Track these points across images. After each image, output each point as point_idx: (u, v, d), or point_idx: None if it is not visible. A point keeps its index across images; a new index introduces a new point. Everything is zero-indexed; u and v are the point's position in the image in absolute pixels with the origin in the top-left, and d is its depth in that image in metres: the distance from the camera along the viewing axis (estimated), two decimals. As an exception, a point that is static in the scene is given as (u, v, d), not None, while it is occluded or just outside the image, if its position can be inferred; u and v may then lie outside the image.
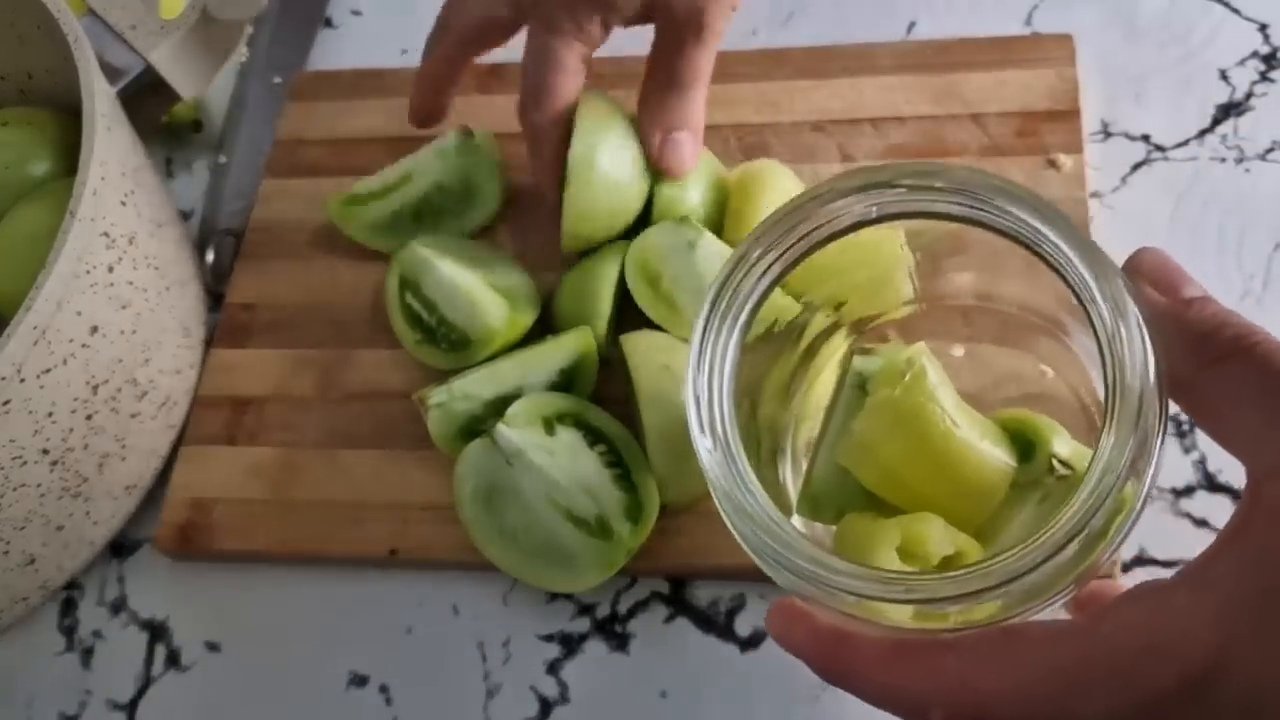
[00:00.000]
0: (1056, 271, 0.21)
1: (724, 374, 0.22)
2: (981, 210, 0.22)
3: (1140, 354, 0.18)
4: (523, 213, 0.39)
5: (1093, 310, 0.20)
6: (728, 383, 0.22)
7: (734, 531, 0.22)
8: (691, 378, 0.22)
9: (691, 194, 0.35)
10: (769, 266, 0.23)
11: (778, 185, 0.35)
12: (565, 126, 0.34)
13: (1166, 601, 0.17)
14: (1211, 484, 0.31)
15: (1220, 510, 0.31)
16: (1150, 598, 0.17)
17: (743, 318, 0.23)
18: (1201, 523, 0.31)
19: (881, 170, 0.23)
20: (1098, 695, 0.17)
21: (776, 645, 0.22)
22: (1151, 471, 0.19)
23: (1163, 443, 0.19)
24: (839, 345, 0.28)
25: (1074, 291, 0.20)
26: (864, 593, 0.19)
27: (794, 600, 0.21)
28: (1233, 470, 0.31)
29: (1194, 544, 0.31)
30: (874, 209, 0.23)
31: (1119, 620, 0.17)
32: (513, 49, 0.45)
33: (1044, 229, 0.21)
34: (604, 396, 0.34)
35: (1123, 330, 0.19)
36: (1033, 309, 0.26)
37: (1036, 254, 0.21)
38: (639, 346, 0.33)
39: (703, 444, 0.22)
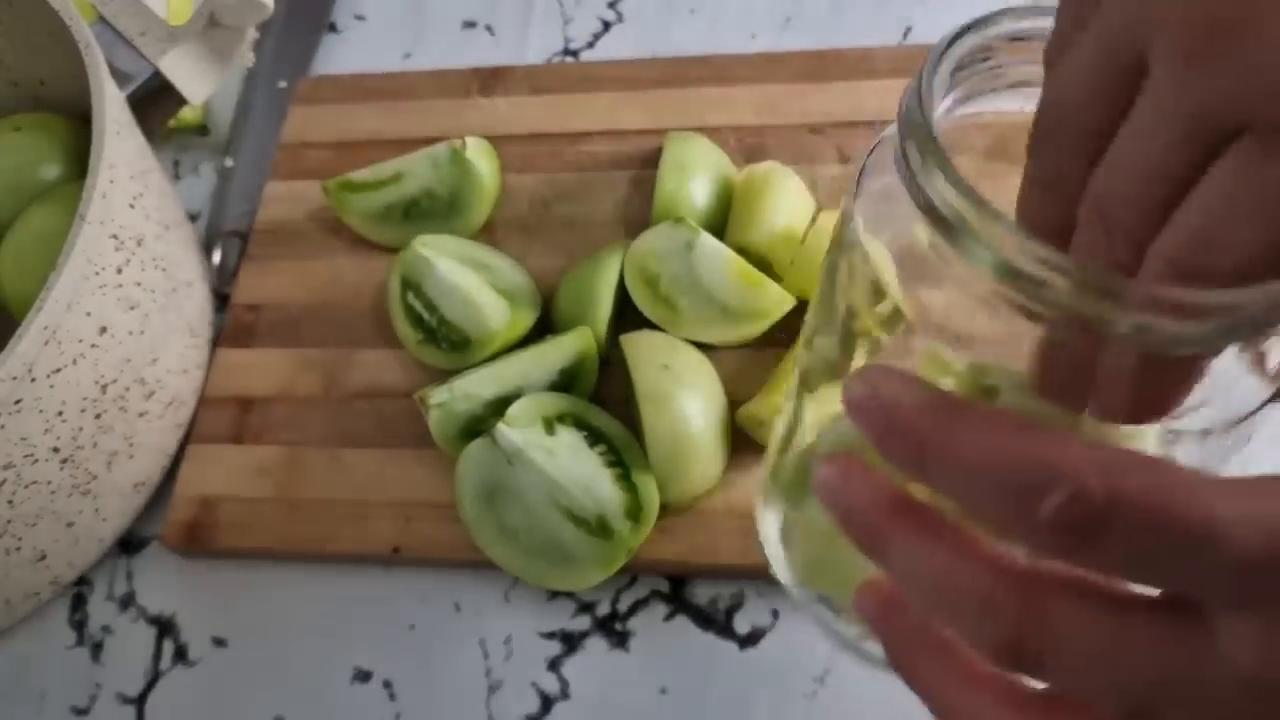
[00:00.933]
0: None
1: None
2: None
3: None
4: (523, 212, 0.40)
5: None
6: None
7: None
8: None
9: (697, 191, 0.36)
10: None
11: (782, 186, 0.35)
12: None
13: None
14: None
15: None
16: None
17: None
18: None
19: None
20: (1248, 542, 0.14)
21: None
22: None
23: None
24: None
25: None
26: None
27: (893, 368, 0.17)
28: None
29: None
30: None
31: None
32: (513, 49, 0.46)
33: None
34: (604, 396, 0.35)
35: None
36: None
37: None
38: (639, 346, 0.33)
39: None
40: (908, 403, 0.16)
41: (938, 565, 0.16)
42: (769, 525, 0.28)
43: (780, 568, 0.28)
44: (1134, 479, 0.14)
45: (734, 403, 0.33)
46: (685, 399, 0.32)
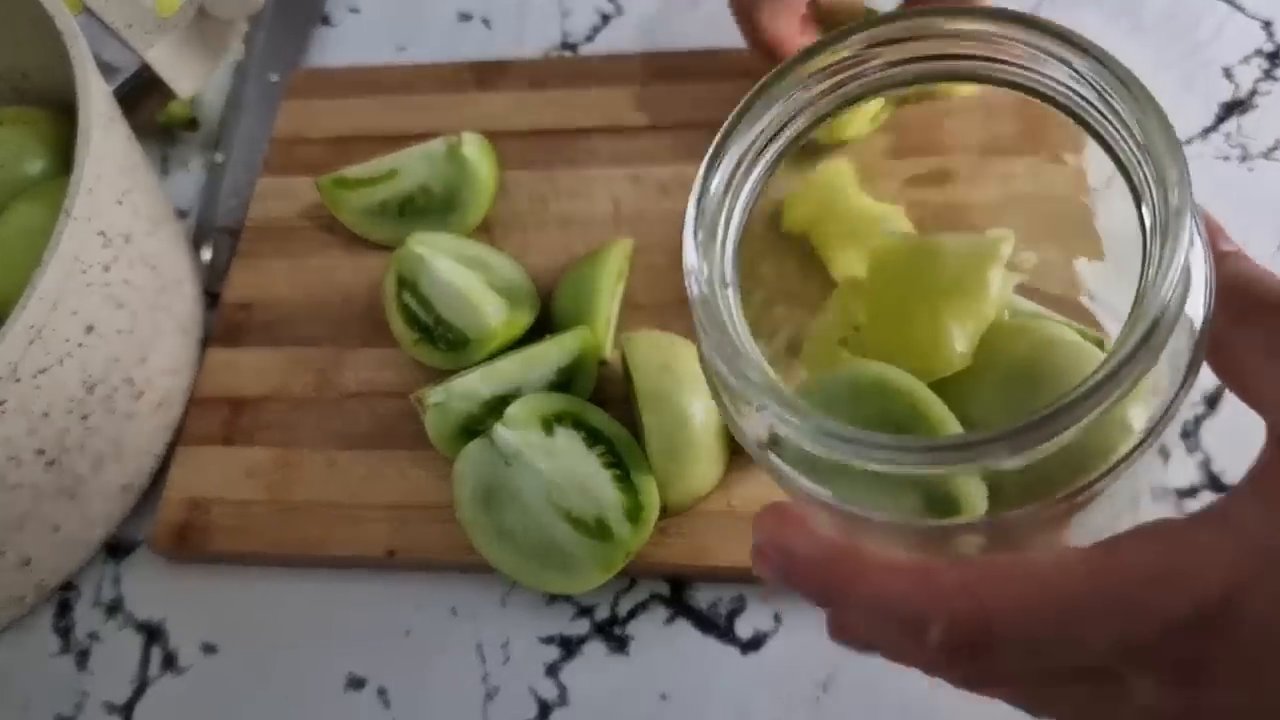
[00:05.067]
0: (1108, 144, 0.18)
1: (742, 193, 0.19)
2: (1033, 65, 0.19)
3: (1184, 239, 0.17)
4: (521, 209, 0.39)
5: (1136, 179, 0.18)
6: (742, 204, 0.19)
7: (723, 384, 0.19)
8: (700, 181, 0.19)
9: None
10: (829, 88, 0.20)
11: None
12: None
13: (1183, 536, 0.17)
14: (1216, 485, 0.31)
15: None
16: (1166, 532, 0.17)
17: (786, 135, 0.20)
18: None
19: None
20: (1110, 622, 0.16)
21: (767, 567, 0.19)
22: (1170, 413, 0.18)
23: (1189, 383, 0.18)
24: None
25: (1118, 160, 0.18)
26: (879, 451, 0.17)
27: (787, 504, 0.19)
28: (1237, 470, 0.31)
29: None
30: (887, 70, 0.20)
31: (1133, 549, 0.17)
32: (510, 42, 0.45)
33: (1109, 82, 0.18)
34: (604, 396, 0.34)
35: (1179, 228, 0.17)
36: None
37: (1094, 123, 0.18)
38: (639, 346, 0.33)
39: (695, 265, 0.18)
40: (802, 555, 0.18)
41: (867, 603, 0.18)
42: None
43: None
44: (998, 592, 0.17)
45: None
46: (686, 399, 0.31)
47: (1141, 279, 0.18)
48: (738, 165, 0.20)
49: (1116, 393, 0.16)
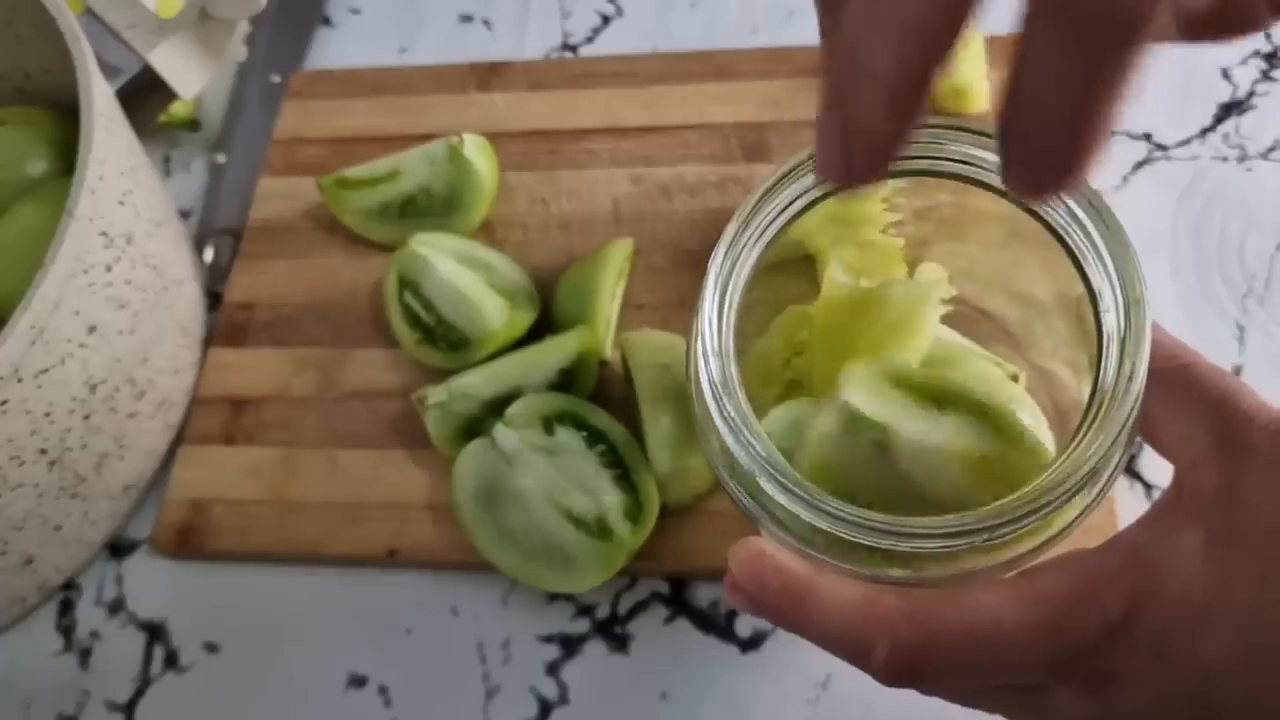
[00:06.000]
0: (1071, 254, 0.20)
1: (736, 292, 0.22)
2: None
3: (1144, 359, 0.19)
4: (521, 210, 0.39)
5: (1103, 303, 0.20)
6: (737, 299, 0.22)
7: (721, 452, 0.21)
8: (710, 293, 0.22)
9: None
10: (790, 203, 0.23)
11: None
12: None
13: (1091, 564, 0.20)
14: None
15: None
16: (1076, 561, 0.20)
17: (766, 237, 0.23)
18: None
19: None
20: (1034, 643, 0.19)
21: (742, 609, 0.22)
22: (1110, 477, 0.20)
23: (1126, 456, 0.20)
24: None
25: (1088, 282, 0.20)
26: (840, 524, 0.19)
27: (757, 540, 0.22)
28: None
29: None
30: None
31: (1051, 578, 0.20)
32: (510, 44, 0.45)
33: (1078, 210, 0.20)
34: (604, 396, 0.34)
35: (1136, 325, 0.19)
36: (1014, 299, 0.27)
37: (1057, 234, 0.21)
38: (639, 346, 0.33)
39: (710, 363, 0.21)
40: (773, 587, 0.21)
41: (821, 633, 0.21)
42: None
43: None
44: (936, 619, 0.19)
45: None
46: (686, 399, 0.31)
47: (1097, 377, 0.20)
48: (740, 248, 0.23)
49: (1083, 491, 0.19)
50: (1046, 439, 0.23)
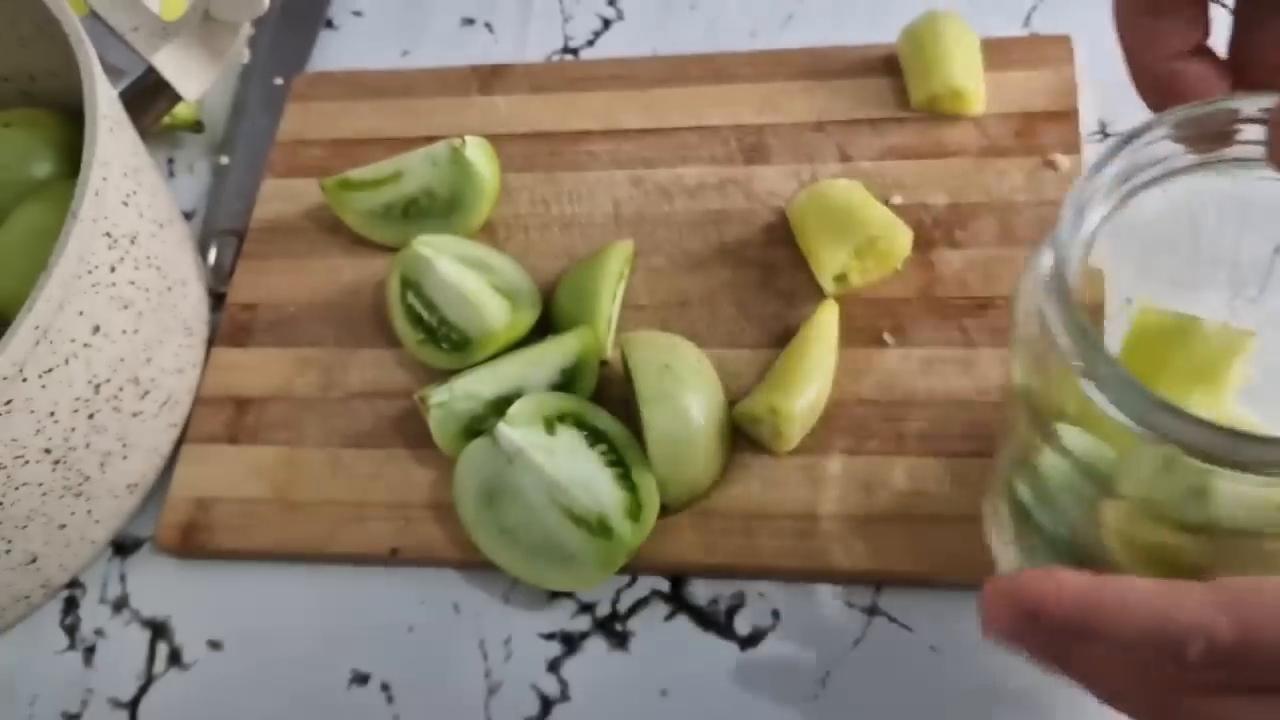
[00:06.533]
0: None
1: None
2: None
3: None
4: (522, 211, 0.39)
5: None
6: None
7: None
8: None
9: None
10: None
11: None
12: None
13: None
14: None
15: None
16: None
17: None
18: None
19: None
20: None
21: (996, 645, 0.21)
22: None
23: None
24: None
25: None
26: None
27: (1014, 577, 0.20)
28: None
29: None
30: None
31: None
32: (512, 47, 0.45)
33: None
34: (605, 396, 0.34)
35: None
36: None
37: None
38: (639, 346, 0.33)
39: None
40: (1063, 597, 0.19)
41: (1129, 634, 0.19)
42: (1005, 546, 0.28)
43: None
44: (1257, 606, 0.18)
45: (730, 401, 0.33)
46: (686, 399, 0.32)
47: None
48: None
49: None
50: None
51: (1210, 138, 0.21)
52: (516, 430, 0.32)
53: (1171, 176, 0.22)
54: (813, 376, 0.32)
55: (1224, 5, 0.23)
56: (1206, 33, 0.23)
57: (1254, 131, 0.21)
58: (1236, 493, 0.19)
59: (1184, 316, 0.23)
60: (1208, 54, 0.23)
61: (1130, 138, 0.21)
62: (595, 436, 0.32)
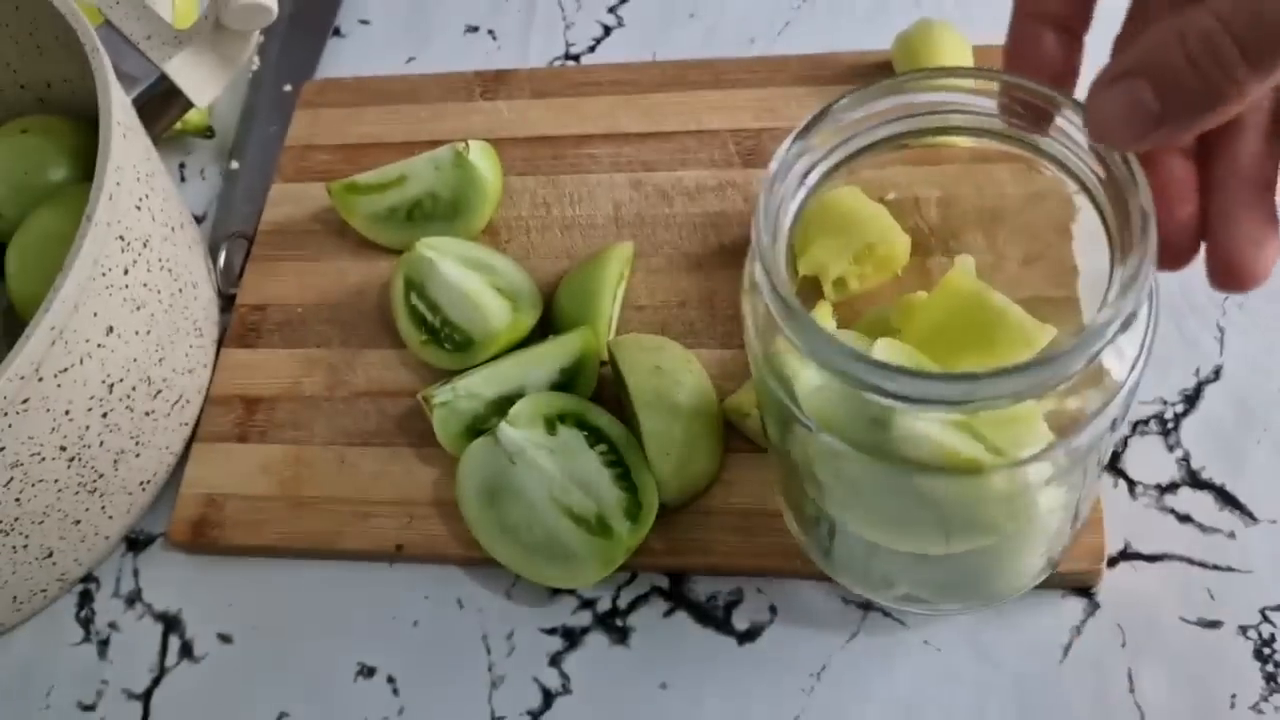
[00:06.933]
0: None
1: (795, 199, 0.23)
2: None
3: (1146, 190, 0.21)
4: (524, 214, 0.40)
5: (1109, 160, 0.21)
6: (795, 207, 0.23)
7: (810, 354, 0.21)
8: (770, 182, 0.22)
9: None
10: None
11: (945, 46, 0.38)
12: None
13: None
14: (1195, 481, 0.32)
15: (1202, 506, 0.31)
16: None
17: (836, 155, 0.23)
18: (1185, 518, 0.31)
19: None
20: None
21: None
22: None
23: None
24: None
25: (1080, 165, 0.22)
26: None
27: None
28: (1215, 466, 0.32)
29: (1178, 539, 0.31)
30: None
31: None
32: (515, 53, 0.46)
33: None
34: (605, 396, 0.35)
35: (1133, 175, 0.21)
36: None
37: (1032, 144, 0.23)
38: (628, 349, 0.34)
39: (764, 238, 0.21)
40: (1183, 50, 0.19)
41: None
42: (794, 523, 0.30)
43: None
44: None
45: (720, 397, 0.34)
46: (678, 399, 0.32)
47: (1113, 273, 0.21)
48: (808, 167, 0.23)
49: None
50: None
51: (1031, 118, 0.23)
52: (518, 430, 0.32)
53: (851, 160, 0.24)
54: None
55: None
56: (1084, 20, 0.24)
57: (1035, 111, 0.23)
58: (910, 426, 0.21)
59: (996, 299, 0.25)
60: (1072, 34, 0.24)
61: (800, 134, 0.23)
62: (595, 436, 0.33)
